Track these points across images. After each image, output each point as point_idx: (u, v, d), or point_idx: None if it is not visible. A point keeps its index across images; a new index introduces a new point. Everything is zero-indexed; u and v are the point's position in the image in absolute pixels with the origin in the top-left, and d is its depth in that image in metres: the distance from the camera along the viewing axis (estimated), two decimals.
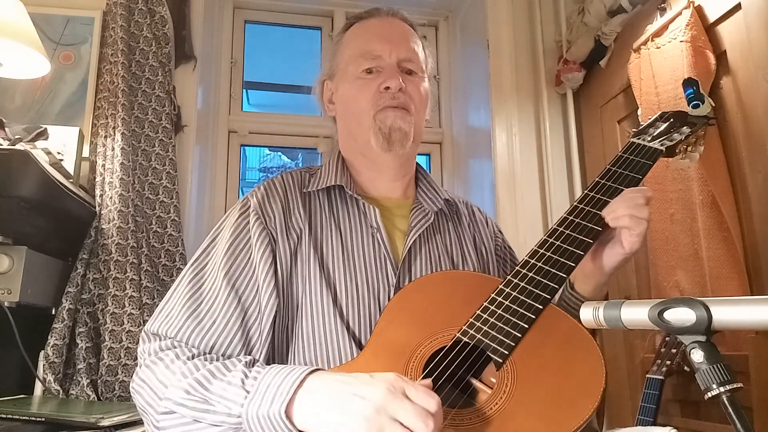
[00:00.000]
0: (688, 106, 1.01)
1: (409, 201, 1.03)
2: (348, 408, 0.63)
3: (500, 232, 1.12)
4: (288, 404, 0.66)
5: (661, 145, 0.94)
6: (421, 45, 1.04)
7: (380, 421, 0.60)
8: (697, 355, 0.59)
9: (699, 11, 1.56)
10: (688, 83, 1.02)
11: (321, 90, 1.09)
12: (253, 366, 0.74)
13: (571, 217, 0.86)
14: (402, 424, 0.60)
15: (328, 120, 1.11)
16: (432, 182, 1.08)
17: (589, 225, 0.84)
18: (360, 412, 0.62)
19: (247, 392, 0.69)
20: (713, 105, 1.01)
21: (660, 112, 1.01)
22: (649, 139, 0.95)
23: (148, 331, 0.83)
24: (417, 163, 1.09)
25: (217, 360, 0.76)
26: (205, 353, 0.79)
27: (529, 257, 0.84)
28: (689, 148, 0.99)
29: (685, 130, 0.96)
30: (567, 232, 0.85)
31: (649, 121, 1.01)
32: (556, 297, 0.85)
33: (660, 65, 1.64)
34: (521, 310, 0.77)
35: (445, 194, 1.06)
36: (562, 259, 0.81)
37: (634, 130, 1.00)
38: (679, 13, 1.60)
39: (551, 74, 2.22)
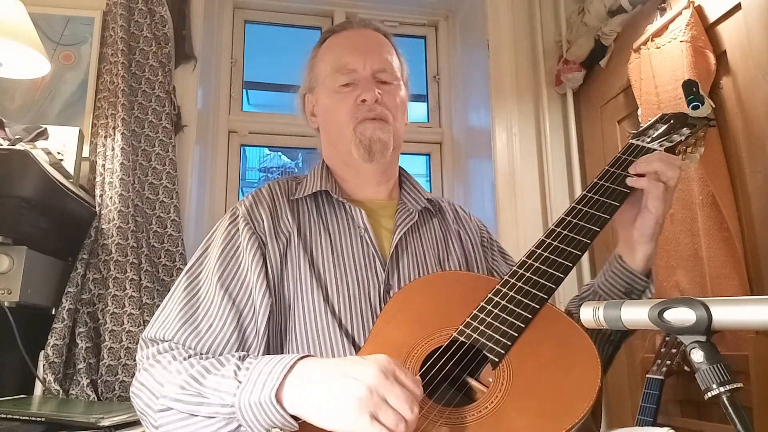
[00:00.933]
0: (688, 107, 1.01)
1: (394, 202, 1.06)
2: (340, 388, 0.63)
3: (484, 225, 1.15)
4: (278, 389, 0.67)
5: (660, 146, 0.94)
6: (395, 53, 1.07)
7: (373, 401, 0.61)
8: (697, 355, 0.59)
9: (699, 11, 1.56)
10: (687, 84, 1.02)
11: (302, 104, 1.12)
12: (246, 360, 0.75)
13: (568, 218, 0.87)
14: (391, 407, 0.61)
15: (312, 131, 1.14)
16: (415, 184, 1.11)
17: (587, 226, 0.85)
18: (353, 392, 0.62)
19: (240, 382, 0.70)
20: (713, 106, 1.01)
21: (660, 114, 1.01)
22: (648, 140, 0.96)
23: (146, 338, 0.85)
24: (400, 167, 1.12)
25: (214, 357, 0.77)
26: (201, 354, 0.80)
27: (526, 258, 0.85)
28: (689, 150, 0.99)
29: (685, 131, 0.96)
30: (564, 232, 0.85)
31: (649, 122, 1.01)
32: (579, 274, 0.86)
33: (660, 65, 1.64)
34: (518, 310, 0.77)
35: (428, 195, 1.09)
36: (560, 260, 0.82)
37: (633, 131, 1.00)
38: (679, 13, 1.60)
39: (551, 74, 2.22)
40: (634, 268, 0.92)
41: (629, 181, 0.88)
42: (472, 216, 1.15)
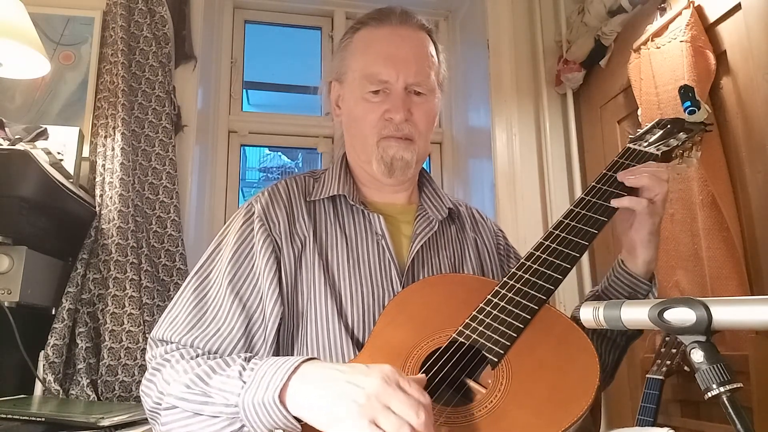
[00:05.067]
0: (684, 113, 1.02)
1: (413, 206, 1.03)
2: (341, 394, 0.63)
3: (501, 230, 1.13)
4: (282, 390, 0.67)
5: (657, 150, 0.95)
6: (434, 55, 1.00)
7: (372, 407, 0.61)
8: (697, 355, 0.59)
9: (699, 11, 1.56)
10: (683, 90, 1.04)
11: (328, 90, 1.06)
12: (251, 361, 0.75)
13: (566, 221, 0.88)
14: (394, 413, 0.61)
15: (332, 116, 1.09)
16: (437, 189, 1.08)
17: (585, 228, 0.86)
18: (353, 397, 0.62)
19: (244, 383, 0.70)
20: (709, 111, 1.03)
21: (657, 120, 1.03)
22: (645, 144, 0.97)
23: (154, 338, 0.85)
24: (422, 168, 1.08)
25: (221, 358, 0.78)
26: (209, 353, 0.81)
27: (525, 259, 0.85)
28: (686, 154, 1.01)
29: (682, 136, 0.98)
30: (563, 235, 0.86)
31: (647, 127, 1.03)
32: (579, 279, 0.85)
33: (660, 65, 1.64)
34: (516, 311, 0.78)
35: (449, 202, 1.06)
36: (558, 261, 0.83)
37: (631, 136, 1.02)
38: (679, 13, 1.60)
39: (551, 74, 2.22)
40: (636, 273, 0.92)
41: (614, 202, 0.87)
42: (489, 221, 1.12)
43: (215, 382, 0.72)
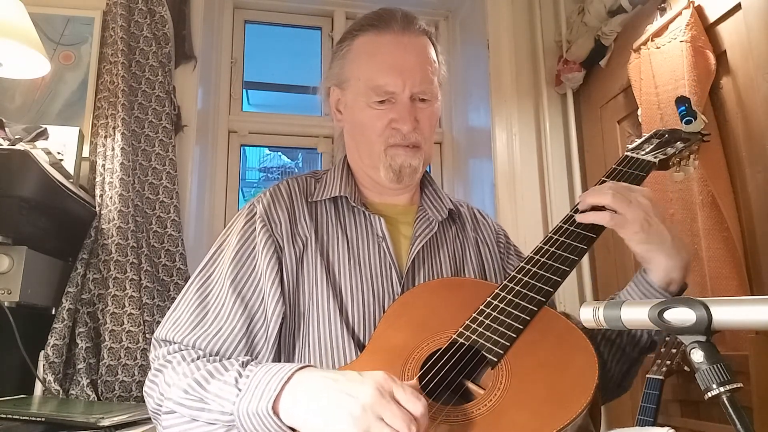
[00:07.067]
0: (681, 122, 1.04)
1: (414, 207, 1.03)
2: (335, 404, 0.64)
3: (502, 229, 1.13)
4: (275, 400, 0.67)
5: (655, 158, 0.97)
6: (435, 58, 1.00)
7: (367, 419, 0.61)
8: (697, 355, 0.59)
9: (699, 11, 1.56)
10: (680, 101, 1.06)
11: (326, 94, 1.05)
12: (247, 366, 0.75)
13: (565, 226, 0.89)
14: (387, 424, 0.61)
15: (332, 120, 1.08)
16: (437, 189, 1.08)
17: (583, 232, 0.87)
18: (347, 409, 0.62)
19: (239, 390, 0.70)
20: (706, 121, 1.05)
21: (655, 130, 1.05)
22: (643, 153, 0.99)
23: (158, 338, 0.85)
24: None
25: (220, 361, 0.78)
26: (210, 355, 0.81)
27: (525, 263, 0.86)
28: (683, 162, 1.02)
29: (679, 145, 1.00)
30: (561, 239, 0.87)
31: (645, 137, 1.05)
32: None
33: (660, 65, 1.64)
34: (516, 312, 0.78)
35: (450, 203, 1.05)
36: (557, 265, 0.84)
37: (629, 145, 1.04)
38: (679, 13, 1.60)
39: (551, 74, 2.22)
40: (653, 280, 0.89)
41: (578, 217, 0.86)
42: (490, 220, 1.12)
43: (212, 388, 0.72)
